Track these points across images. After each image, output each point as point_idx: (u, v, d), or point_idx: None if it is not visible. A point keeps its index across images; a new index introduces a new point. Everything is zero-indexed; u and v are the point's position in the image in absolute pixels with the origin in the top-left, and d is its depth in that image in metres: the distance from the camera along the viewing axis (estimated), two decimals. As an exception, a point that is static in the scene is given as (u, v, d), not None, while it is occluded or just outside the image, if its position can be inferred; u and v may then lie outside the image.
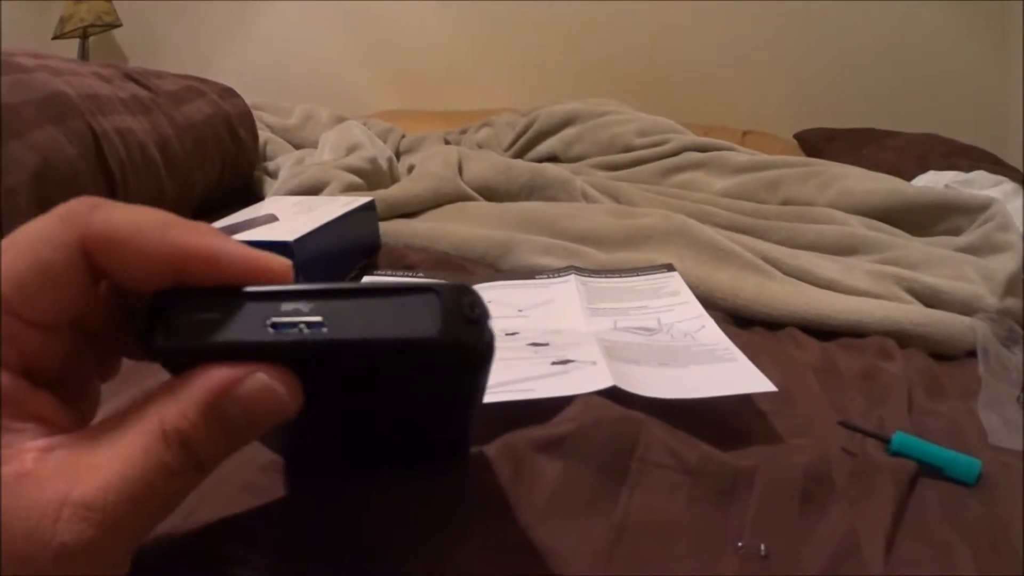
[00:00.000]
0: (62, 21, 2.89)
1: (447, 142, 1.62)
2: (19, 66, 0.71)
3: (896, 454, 0.52)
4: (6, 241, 0.25)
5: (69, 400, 0.27)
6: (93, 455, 0.24)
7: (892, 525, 0.45)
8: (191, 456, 0.25)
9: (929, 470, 0.51)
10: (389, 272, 0.81)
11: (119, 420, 0.25)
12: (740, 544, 0.41)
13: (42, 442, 0.24)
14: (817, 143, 2.10)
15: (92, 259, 0.25)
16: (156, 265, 0.25)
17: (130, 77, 0.95)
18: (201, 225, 0.27)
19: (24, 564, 0.22)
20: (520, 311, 0.71)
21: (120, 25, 2.96)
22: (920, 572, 0.41)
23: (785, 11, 2.51)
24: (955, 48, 2.45)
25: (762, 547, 0.41)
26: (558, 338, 0.62)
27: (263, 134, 1.36)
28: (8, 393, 0.24)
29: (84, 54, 2.92)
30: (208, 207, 1.04)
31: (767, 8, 2.51)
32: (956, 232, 1.02)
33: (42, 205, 0.62)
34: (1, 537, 0.22)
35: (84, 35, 2.92)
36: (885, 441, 0.53)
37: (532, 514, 0.40)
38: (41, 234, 0.25)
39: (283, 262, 0.27)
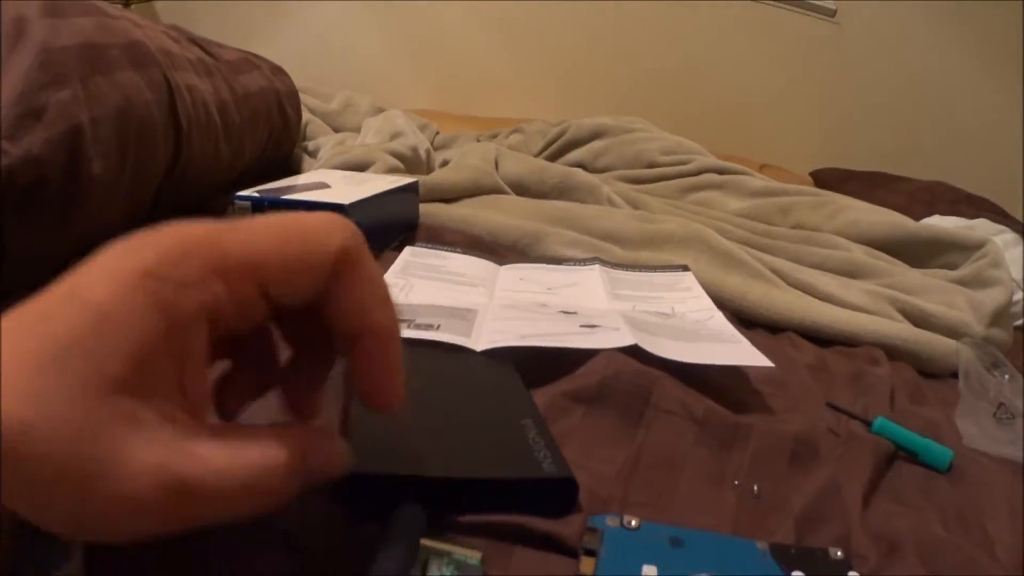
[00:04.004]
0: (103, -12, 2.88)
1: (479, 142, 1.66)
2: (105, 11, 0.73)
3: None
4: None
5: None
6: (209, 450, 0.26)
7: (869, 486, 0.51)
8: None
9: (906, 456, 0.57)
10: (428, 245, 0.86)
11: (242, 431, 0.28)
12: (736, 483, 0.47)
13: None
14: (832, 182, 2.13)
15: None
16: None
17: (194, 41, 0.97)
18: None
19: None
20: (549, 289, 0.76)
21: (162, -3, 2.91)
22: (893, 523, 0.47)
23: (814, 55, 2.57)
24: (976, 100, 2.50)
25: (755, 487, 0.47)
26: (585, 310, 0.68)
27: (305, 115, 1.38)
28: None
29: (122, 23, 2.90)
30: (249, 176, 1.05)
31: (797, 50, 2.58)
32: (952, 267, 1.07)
33: (122, 141, 0.66)
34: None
35: (126, 4, 2.83)
36: (867, 424, 0.58)
37: (564, 440, 0.47)
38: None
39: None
